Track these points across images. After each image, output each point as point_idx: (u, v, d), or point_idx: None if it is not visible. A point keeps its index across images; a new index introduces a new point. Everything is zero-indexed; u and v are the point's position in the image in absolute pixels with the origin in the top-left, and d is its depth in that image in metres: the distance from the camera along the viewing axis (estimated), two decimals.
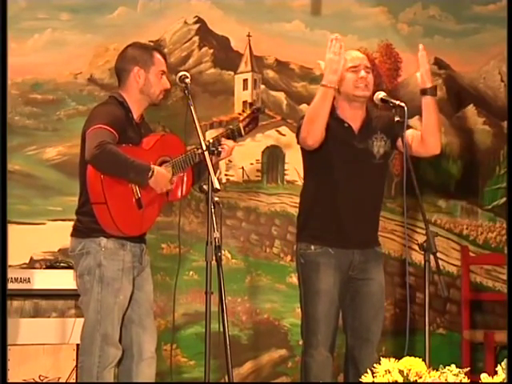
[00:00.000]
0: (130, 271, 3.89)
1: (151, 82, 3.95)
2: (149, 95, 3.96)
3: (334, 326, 4.16)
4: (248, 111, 4.15)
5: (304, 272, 4.19)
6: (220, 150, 3.88)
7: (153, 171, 3.75)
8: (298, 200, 4.40)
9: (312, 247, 4.18)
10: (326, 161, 4.16)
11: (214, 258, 3.54)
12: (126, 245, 3.88)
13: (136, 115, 3.96)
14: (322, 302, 4.12)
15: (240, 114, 4.13)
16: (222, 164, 5.58)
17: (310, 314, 4.14)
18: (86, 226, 3.85)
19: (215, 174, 3.65)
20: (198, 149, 3.85)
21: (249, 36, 5.76)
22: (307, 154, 4.23)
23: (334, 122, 4.18)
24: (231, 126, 4.09)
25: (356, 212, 4.16)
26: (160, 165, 3.89)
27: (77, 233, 3.92)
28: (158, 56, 3.99)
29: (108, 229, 3.79)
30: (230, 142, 4.00)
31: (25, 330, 4.83)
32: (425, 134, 4.17)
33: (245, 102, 5.74)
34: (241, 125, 4.07)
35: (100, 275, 3.82)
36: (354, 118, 4.21)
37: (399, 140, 3.99)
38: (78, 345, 4.86)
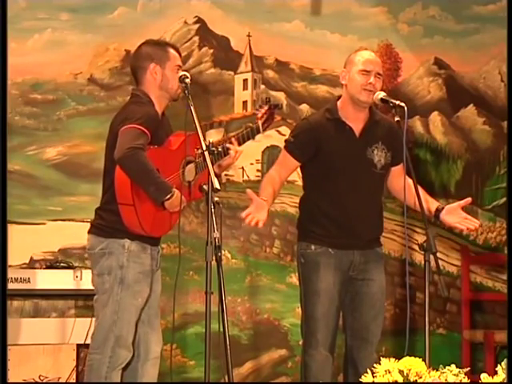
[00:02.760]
0: (149, 274, 3.89)
1: (168, 78, 3.92)
2: (167, 91, 3.93)
3: (334, 326, 4.16)
4: (266, 107, 4.10)
5: (304, 272, 4.18)
6: (220, 149, 3.87)
7: (172, 195, 3.71)
8: (297, 200, 4.40)
9: (312, 247, 4.17)
10: (325, 164, 4.17)
11: (214, 257, 3.53)
12: (147, 248, 3.88)
13: (159, 112, 3.94)
14: (322, 301, 4.12)
15: (258, 110, 4.09)
16: None
17: (309, 313, 4.14)
18: (110, 226, 3.82)
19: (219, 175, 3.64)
20: (197, 149, 3.83)
21: (249, 36, 5.76)
22: None
23: (335, 123, 4.17)
24: (250, 124, 4.05)
25: (356, 215, 4.15)
26: (186, 165, 3.87)
27: (98, 231, 3.87)
28: (172, 51, 3.97)
29: (133, 228, 3.76)
30: (237, 147, 3.98)
31: (25, 330, 4.83)
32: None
33: (245, 102, 5.74)
34: (259, 122, 4.05)
35: (121, 277, 3.79)
36: (356, 119, 4.18)
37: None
38: (78, 345, 4.87)
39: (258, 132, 4.05)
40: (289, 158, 4.20)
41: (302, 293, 4.16)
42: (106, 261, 3.82)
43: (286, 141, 4.27)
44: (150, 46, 3.99)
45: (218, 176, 3.95)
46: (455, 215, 4.15)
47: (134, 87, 4.02)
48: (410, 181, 4.00)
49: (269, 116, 4.08)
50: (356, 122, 4.18)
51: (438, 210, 4.19)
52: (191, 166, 3.88)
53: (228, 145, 3.96)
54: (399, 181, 4.16)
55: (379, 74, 4.14)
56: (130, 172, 3.68)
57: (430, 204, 4.20)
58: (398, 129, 3.87)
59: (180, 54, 4.03)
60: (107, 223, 3.84)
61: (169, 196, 3.71)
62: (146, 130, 3.72)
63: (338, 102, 4.22)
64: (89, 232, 3.92)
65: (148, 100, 3.91)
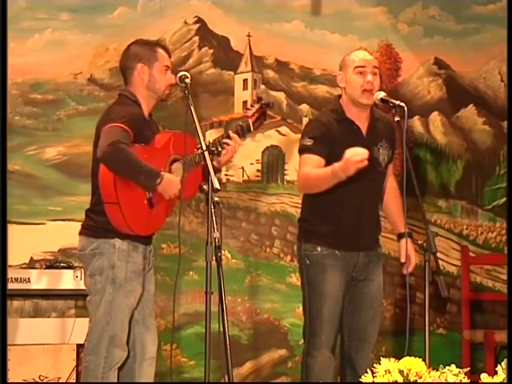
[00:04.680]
0: (140, 273, 3.89)
1: (156, 78, 3.92)
2: (155, 91, 3.93)
3: (337, 327, 4.16)
4: (257, 106, 4.09)
5: (309, 273, 4.15)
6: (220, 149, 3.86)
7: (162, 178, 3.71)
8: (297, 200, 4.40)
9: (318, 249, 4.14)
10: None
11: (214, 258, 3.53)
12: (139, 247, 3.87)
13: (146, 113, 3.94)
14: (328, 303, 4.10)
15: (249, 108, 4.08)
16: None
17: (314, 315, 4.11)
18: (100, 226, 3.81)
19: (218, 173, 3.63)
20: (197, 149, 3.83)
21: (249, 36, 5.76)
22: None
23: (344, 123, 4.15)
24: (241, 123, 4.04)
25: (361, 215, 4.15)
26: (171, 163, 3.86)
27: (88, 232, 3.87)
28: (161, 51, 3.96)
29: (120, 228, 3.75)
30: (237, 141, 3.97)
31: (25, 329, 4.83)
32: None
33: (245, 102, 5.74)
34: (250, 121, 4.03)
35: (113, 276, 3.79)
36: (360, 119, 4.18)
37: None
38: (78, 345, 4.87)
39: (249, 131, 4.04)
40: (314, 157, 4.07)
41: (307, 294, 4.14)
42: (98, 261, 3.82)
43: (303, 145, 4.11)
44: (139, 46, 3.98)
45: (218, 171, 3.97)
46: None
47: (122, 87, 4.02)
48: (394, 184, 4.33)
49: (260, 115, 4.07)
50: (361, 121, 4.18)
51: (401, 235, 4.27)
52: (178, 165, 3.87)
53: (226, 139, 3.95)
54: (387, 180, 4.30)
55: (376, 69, 4.13)
56: (115, 167, 3.67)
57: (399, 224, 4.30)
58: (395, 126, 3.88)
59: (169, 54, 4.02)
60: (97, 224, 3.84)
61: (159, 181, 3.70)
62: (128, 128, 3.70)
63: (341, 102, 4.21)
64: (79, 233, 3.92)
65: (134, 100, 3.91)
